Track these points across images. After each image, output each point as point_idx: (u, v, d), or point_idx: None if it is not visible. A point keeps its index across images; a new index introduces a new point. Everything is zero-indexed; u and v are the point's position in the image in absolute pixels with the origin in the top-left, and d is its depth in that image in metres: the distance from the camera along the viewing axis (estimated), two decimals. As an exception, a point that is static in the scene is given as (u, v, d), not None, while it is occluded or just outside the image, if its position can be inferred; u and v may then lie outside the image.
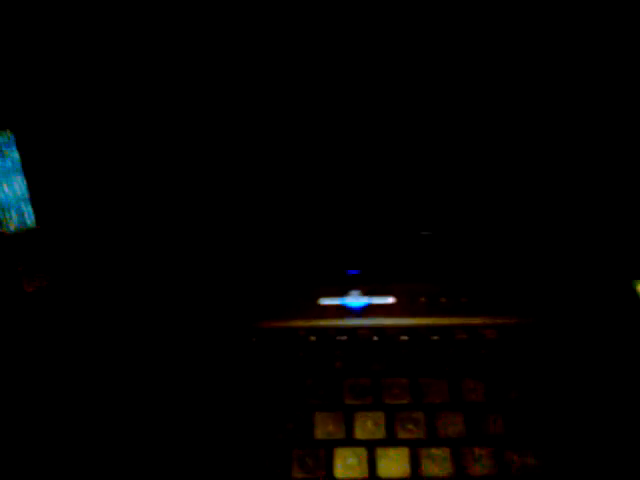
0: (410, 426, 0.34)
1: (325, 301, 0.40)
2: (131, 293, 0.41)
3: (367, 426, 0.34)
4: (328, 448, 0.33)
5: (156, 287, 0.40)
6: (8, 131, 0.47)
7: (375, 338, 0.38)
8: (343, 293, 0.40)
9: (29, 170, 0.43)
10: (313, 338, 0.38)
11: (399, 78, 0.36)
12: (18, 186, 0.47)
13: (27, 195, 0.45)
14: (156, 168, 0.39)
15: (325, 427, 0.34)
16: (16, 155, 0.47)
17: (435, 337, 0.38)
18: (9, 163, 0.47)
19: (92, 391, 0.36)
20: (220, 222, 0.41)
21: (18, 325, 0.42)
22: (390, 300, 0.40)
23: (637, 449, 0.32)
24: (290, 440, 0.33)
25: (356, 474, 0.32)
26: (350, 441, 0.33)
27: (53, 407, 0.36)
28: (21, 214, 0.47)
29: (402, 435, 0.34)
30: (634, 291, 0.40)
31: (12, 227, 0.46)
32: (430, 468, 0.32)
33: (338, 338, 0.38)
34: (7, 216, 0.47)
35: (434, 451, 0.33)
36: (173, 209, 0.40)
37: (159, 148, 0.39)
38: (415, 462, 0.33)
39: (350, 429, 0.34)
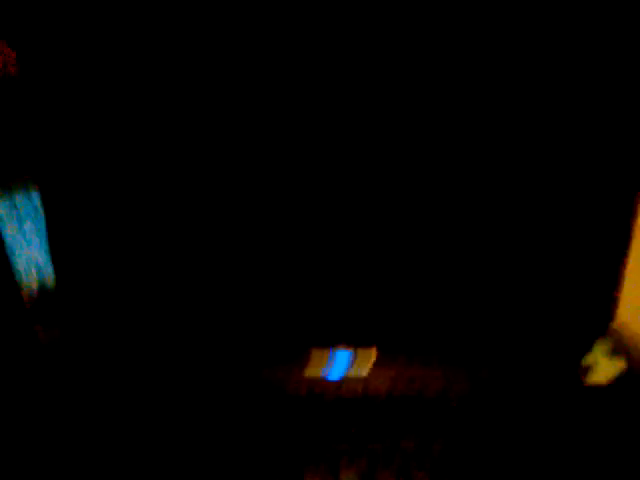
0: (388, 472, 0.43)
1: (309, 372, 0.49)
2: (148, 347, 0.51)
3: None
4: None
5: (174, 351, 0.51)
6: (34, 195, 0.53)
7: (354, 404, 0.48)
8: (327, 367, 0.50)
9: (52, 234, 0.49)
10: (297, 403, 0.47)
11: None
12: (40, 249, 0.53)
13: (49, 258, 0.52)
14: (174, 243, 0.50)
15: None
16: (41, 219, 0.53)
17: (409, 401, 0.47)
18: (33, 227, 0.53)
19: (108, 428, 0.43)
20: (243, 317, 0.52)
21: (34, 370, 0.49)
22: (365, 369, 0.49)
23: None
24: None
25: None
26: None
27: (72, 453, 0.42)
28: (42, 276, 0.53)
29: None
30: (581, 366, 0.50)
31: (34, 287, 0.53)
32: None
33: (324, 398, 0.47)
34: (29, 277, 0.53)
35: None
36: (194, 278, 0.50)
37: (179, 226, 0.48)
38: None
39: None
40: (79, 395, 0.46)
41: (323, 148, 0.46)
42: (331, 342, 0.50)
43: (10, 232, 0.51)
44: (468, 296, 0.49)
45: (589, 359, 0.51)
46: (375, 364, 0.49)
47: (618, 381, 0.50)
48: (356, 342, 0.50)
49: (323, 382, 0.49)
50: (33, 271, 0.53)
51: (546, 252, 0.48)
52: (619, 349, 0.51)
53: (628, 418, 0.47)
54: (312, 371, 0.49)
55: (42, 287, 0.53)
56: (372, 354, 0.49)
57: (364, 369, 0.48)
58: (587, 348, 0.52)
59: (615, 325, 0.53)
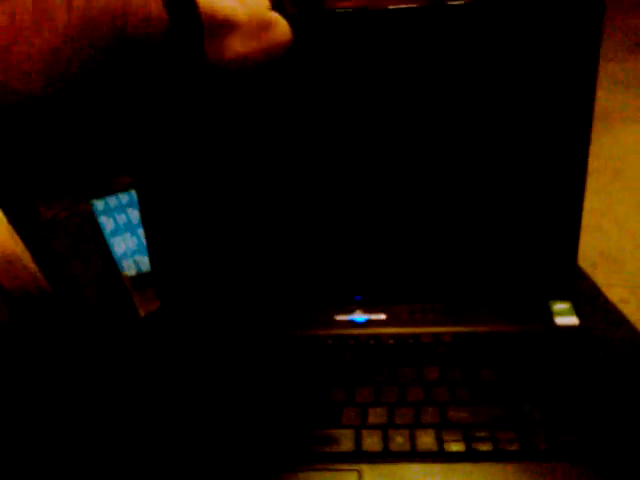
0: (389, 394, 0.52)
1: (339, 317, 0.61)
2: (214, 316, 0.62)
3: (364, 395, 0.53)
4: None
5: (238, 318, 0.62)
6: (133, 191, 0.64)
7: (372, 342, 0.57)
8: (351, 312, 0.61)
9: (147, 225, 0.59)
10: (330, 341, 0.58)
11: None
12: (136, 238, 0.65)
13: (144, 245, 0.61)
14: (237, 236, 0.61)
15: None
16: (137, 212, 0.64)
17: (410, 340, 0.56)
18: (131, 220, 0.65)
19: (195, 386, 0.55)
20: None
21: (133, 342, 0.60)
22: (382, 317, 0.60)
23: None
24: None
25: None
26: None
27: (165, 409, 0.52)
28: (138, 261, 0.65)
29: (384, 400, 0.52)
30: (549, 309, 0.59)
31: (132, 272, 0.65)
32: (401, 419, 0.50)
33: (347, 341, 0.58)
34: (128, 263, 0.65)
35: (404, 410, 0.51)
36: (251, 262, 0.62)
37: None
38: (391, 416, 0.50)
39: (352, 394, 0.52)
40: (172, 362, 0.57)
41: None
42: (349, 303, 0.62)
43: (108, 224, 0.64)
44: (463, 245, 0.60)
45: (556, 304, 0.60)
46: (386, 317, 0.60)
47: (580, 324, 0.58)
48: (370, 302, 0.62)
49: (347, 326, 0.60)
50: (129, 256, 0.65)
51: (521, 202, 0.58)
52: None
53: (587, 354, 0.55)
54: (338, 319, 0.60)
55: (138, 269, 0.65)
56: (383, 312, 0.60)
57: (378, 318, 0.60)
58: (554, 293, 0.61)
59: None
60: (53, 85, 0.35)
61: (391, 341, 0.57)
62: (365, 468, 0.47)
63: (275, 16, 0.44)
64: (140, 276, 0.65)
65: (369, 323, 0.60)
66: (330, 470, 0.47)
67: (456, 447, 0.47)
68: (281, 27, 0.44)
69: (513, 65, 0.53)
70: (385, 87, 0.54)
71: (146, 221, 0.59)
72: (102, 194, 0.66)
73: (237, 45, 0.40)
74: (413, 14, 0.52)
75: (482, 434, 0.48)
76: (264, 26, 0.42)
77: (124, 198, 0.66)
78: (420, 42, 0.53)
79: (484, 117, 0.54)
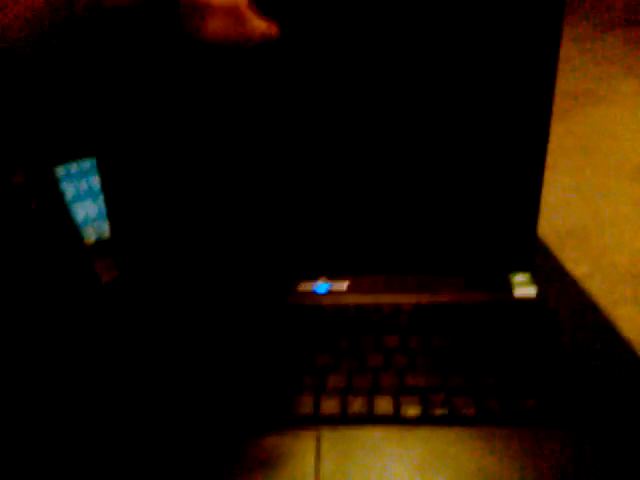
0: (349, 361, 0.53)
1: (302, 287, 0.61)
2: (175, 284, 0.62)
3: (324, 361, 0.53)
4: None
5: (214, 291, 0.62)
6: (94, 158, 0.63)
7: (333, 311, 0.58)
8: (314, 282, 0.61)
9: (107, 191, 0.59)
10: (293, 310, 0.59)
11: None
12: (98, 205, 0.65)
13: (104, 212, 0.62)
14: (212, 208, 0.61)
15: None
16: (97, 179, 0.64)
17: (371, 309, 0.57)
18: (92, 186, 0.65)
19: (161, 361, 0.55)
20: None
21: (97, 307, 0.60)
22: (345, 286, 0.60)
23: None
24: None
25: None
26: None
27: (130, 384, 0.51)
28: (98, 228, 0.65)
29: (343, 366, 0.52)
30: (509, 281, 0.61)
31: (92, 238, 0.65)
32: (359, 384, 0.51)
33: (309, 311, 0.58)
34: (88, 230, 0.65)
35: (363, 376, 0.51)
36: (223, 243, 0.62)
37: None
38: (350, 381, 0.51)
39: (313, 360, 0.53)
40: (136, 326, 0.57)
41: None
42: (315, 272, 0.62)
43: (69, 190, 0.63)
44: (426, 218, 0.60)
45: (515, 276, 0.61)
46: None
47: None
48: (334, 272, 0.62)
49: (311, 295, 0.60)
50: (89, 223, 0.64)
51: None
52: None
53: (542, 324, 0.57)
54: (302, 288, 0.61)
55: (99, 236, 0.64)
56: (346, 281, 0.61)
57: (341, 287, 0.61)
58: (514, 266, 0.62)
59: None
60: (34, 43, 0.36)
61: (352, 310, 0.58)
62: (324, 432, 0.47)
63: (250, 14, 0.45)
64: (102, 243, 0.64)
65: (332, 293, 0.60)
66: (289, 434, 0.47)
67: (413, 411, 0.48)
68: (255, 25, 0.46)
69: (477, 39, 0.53)
70: (344, 60, 0.54)
71: (106, 187, 0.58)
72: (64, 160, 0.65)
73: (210, 27, 0.44)
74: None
75: (438, 399, 0.49)
76: (238, 19, 0.45)
77: (86, 164, 0.65)
78: (388, 20, 0.52)
79: (446, 92, 0.55)
